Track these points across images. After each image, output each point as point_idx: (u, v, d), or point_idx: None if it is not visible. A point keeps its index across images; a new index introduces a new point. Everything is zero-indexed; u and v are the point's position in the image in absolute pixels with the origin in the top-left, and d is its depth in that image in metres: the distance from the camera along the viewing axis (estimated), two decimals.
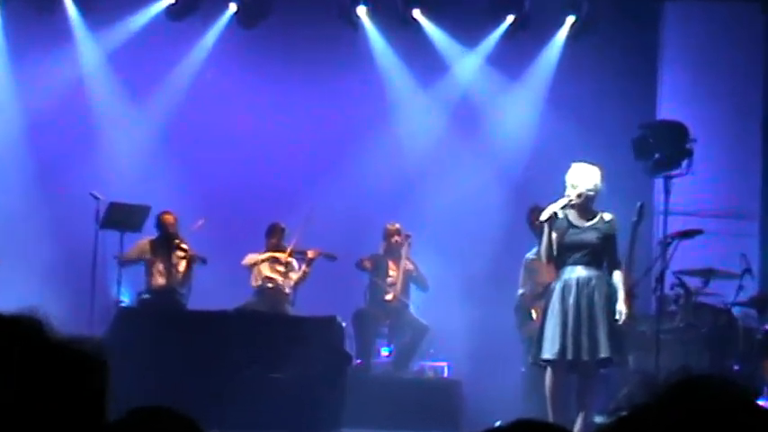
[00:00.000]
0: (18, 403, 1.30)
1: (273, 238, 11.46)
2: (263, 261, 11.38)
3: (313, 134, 12.36)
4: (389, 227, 11.41)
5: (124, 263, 11.20)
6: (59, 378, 1.35)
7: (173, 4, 12.28)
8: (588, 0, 12.12)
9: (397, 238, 11.38)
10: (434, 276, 11.56)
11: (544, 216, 8.20)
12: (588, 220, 8.21)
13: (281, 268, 11.43)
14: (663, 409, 1.24)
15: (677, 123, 10.42)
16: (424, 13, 12.39)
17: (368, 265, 11.39)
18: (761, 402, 1.27)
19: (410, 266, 11.44)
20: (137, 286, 11.42)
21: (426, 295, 11.58)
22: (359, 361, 10.83)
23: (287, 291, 11.39)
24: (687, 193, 10.50)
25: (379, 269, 11.39)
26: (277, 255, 11.36)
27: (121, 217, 11.07)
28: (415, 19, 12.39)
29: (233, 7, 12.40)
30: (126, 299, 11.31)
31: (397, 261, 11.40)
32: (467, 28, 12.46)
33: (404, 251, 11.40)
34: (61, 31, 12.31)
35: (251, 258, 11.42)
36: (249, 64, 12.37)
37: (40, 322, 1.39)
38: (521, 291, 10.39)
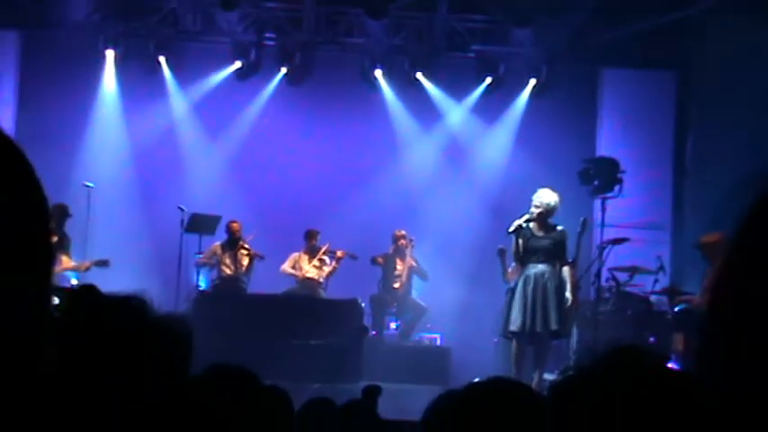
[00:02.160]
0: (129, 359, 1.29)
1: (312, 239, 11.43)
2: (291, 273, 11.34)
3: (340, 165, 12.29)
4: (397, 232, 11.33)
5: (201, 265, 11.20)
6: (157, 343, 1.34)
7: (240, 68, 12.29)
8: (546, 67, 12.15)
9: (402, 241, 11.30)
10: (431, 270, 11.51)
11: (512, 228, 8.22)
12: (546, 230, 8.22)
13: (318, 264, 11.43)
14: (599, 369, 1.25)
15: (611, 159, 10.41)
16: (425, 75, 12.36)
17: (380, 260, 11.30)
18: (670, 365, 1.29)
19: (413, 263, 11.37)
20: (211, 275, 11.36)
21: (426, 284, 11.52)
22: (374, 332, 10.77)
23: (321, 281, 11.36)
24: (618, 210, 10.48)
25: (388, 265, 11.34)
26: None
27: (200, 224, 11.07)
28: (417, 79, 12.36)
29: (284, 70, 12.41)
30: (203, 285, 11.28)
31: (403, 259, 11.32)
32: (456, 86, 12.42)
33: (408, 251, 11.31)
34: (159, 86, 12.31)
35: (287, 270, 11.37)
36: (295, 112, 12.33)
37: (145, 301, 1.38)
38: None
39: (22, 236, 0.75)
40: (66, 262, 10.11)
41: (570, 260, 8.41)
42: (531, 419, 1.53)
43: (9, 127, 11.47)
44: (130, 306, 1.35)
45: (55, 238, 9.81)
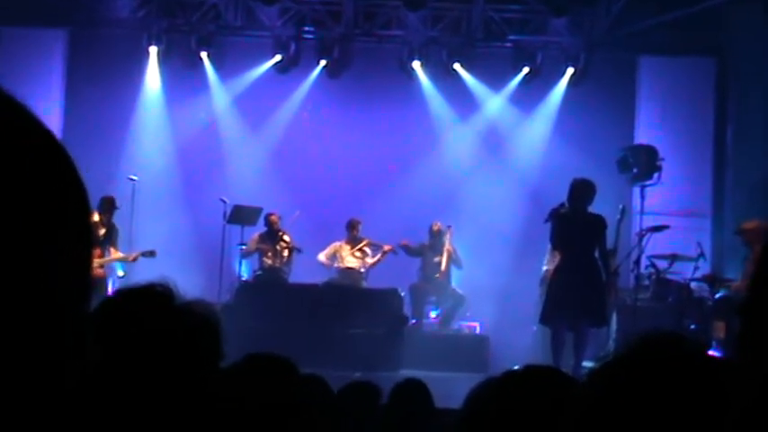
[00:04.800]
0: (153, 348, 1.27)
1: (354, 230, 11.41)
2: (323, 263, 11.36)
3: (381, 155, 12.27)
4: (434, 226, 11.28)
5: (246, 255, 11.29)
6: (183, 328, 1.31)
7: (279, 61, 12.32)
8: (584, 55, 12.06)
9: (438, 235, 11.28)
10: (470, 258, 11.43)
11: (549, 217, 8.16)
12: (583, 218, 8.16)
13: (359, 254, 11.43)
14: (638, 356, 1.22)
15: (649, 146, 10.38)
16: (462, 65, 12.31)
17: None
18: (711, 352, 1.25)
19: (451, 250, 11.28)
20: (253, 266, 11.45)
21: (464, 272, 11.41)
22: (414, 321, 10.77)
23: (362, 271, 11.35)
24: (657, 197, 10.41)
25: (426, 255, 11.28)
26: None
27: (242, 216, 11.08)
28: (455, 70, 12.31)
29: (323, 63, 12.41)
30: (245, 275, 11.35)
31: (439, 253, 11.24)
32: (493, 76, 12.37)
33: (447, 238, 11.25)
34: (201, 81, 12.39)
35: (321, 259, 11.40)
36: (334, 104, 12.36)
37: (170, 287, 1.35)
38: (545, 267, 9.98)
39: (65, 231, 0.74)
40: (114, 253, 10.25)
41: (609, 248, 8.34)
42: (568, 407, 1.50)
43: (57, 122, 11.67)
44: (155, 293, 1.33)
45: (102, 231, 10.03)
